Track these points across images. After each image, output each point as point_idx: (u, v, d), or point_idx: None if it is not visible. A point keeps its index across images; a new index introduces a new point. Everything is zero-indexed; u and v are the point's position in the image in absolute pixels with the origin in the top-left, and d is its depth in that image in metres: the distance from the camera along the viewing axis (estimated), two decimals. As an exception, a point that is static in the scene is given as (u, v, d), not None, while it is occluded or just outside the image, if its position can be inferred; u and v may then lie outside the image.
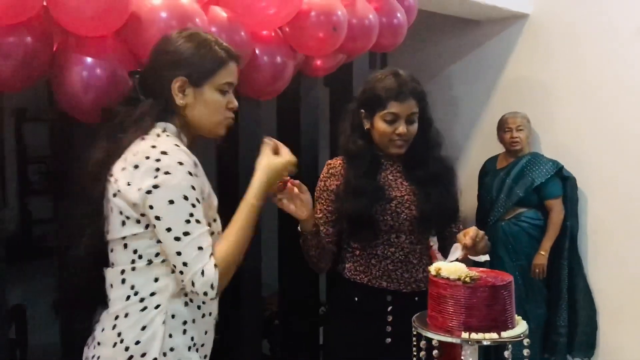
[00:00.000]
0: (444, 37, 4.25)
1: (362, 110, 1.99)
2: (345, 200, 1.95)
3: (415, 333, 1.58)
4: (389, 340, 1.98)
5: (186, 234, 1.37)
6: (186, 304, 1.47)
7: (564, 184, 3.62)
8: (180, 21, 1.82)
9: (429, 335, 1.53)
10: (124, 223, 1.43)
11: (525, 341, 1.52)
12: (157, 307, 1.43)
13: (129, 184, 1.38)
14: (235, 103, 1.55)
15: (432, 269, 1.58)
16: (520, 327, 1.53)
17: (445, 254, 1.99)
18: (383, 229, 1.96)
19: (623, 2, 3.46)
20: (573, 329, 3.61)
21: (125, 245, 1.44)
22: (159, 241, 1.41)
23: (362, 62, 3.01)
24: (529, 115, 3.70)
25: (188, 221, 1.37)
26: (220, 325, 1.65)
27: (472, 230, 1.81)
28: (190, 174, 1.38)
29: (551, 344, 3.62)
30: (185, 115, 1.49)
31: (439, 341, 1.52)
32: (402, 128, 1.92)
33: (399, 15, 2.68)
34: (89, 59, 1.78)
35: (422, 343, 1.57)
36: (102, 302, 1.51)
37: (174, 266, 1.40)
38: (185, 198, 1.36)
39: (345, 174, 2.01)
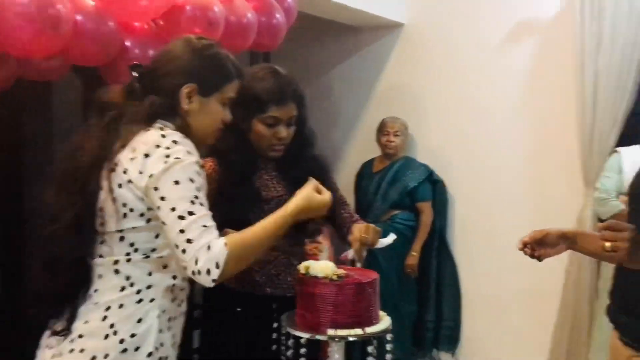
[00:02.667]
0: (326, 42, 4.33)
1: (238, 110, 1.82)
2: (220, 207, 1.78)
3: (284, 332, 1.58)
4: (275, 347, 1.92)
5: (191, 213, 1.35)
6: (173, 300, 1.47)
7: (434, 187, 3.82)
8: (40, 8, 1.71)
9: (296, 333, 1.53)
10: (125, 215, 1.40)
11: (389, 336, 1.57)
12: (151, 300, 1.42)
13: (140, 173, 1.37)
14: (230, 117, 1.59)
15: (302, 267, 1.59)
16: (384, 322, 1.58)
17: (345, 240, 2.00)
18: None
19: (493, 15, 3.70)
20: (439, 323, 3.82)
21: (122, 238, 1.42)
22: (157, 236, 1.41)
23: (243, 60, 2.97)
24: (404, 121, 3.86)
25: (192, 202, 1.36)
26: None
27: (356, 231, 1.82)
28: (197, 163, 1.41)
29: (420, 338, 3.80)
30: (186, 119, 1.51)
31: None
32: (283, 132, 1.86)
33: (278, 15, 2.68)
34: None
35: (290, 342, 1.57)
36: (71, 295, 1.43)
37: (176, 246, 1.36)
38: (191, 180, 1.38)
39: (217, 176, 1.88)
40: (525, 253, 1.68)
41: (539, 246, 1.66)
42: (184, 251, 1.34)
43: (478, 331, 3.80)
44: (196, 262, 1.33)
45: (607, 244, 1.52)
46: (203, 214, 1.38)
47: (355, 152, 4.24)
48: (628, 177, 2.92)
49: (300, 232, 1.95)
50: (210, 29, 2.23)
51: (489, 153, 3.75)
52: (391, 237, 1.85)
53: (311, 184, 1.59)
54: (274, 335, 1.85)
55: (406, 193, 3.73)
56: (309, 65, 4.37)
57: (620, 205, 2.99)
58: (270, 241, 1.48)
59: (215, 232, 1.37)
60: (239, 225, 1.80)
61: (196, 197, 1.38)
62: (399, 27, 4.03)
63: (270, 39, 2.70)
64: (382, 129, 3.82)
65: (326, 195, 1.60)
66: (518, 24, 3.61)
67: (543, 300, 3.48)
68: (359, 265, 1.73)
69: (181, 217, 1.35)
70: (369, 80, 4.19)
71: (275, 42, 2.76)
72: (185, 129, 1.49)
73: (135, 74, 1.53)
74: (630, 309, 1.71)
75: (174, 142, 1.39)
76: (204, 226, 1.36)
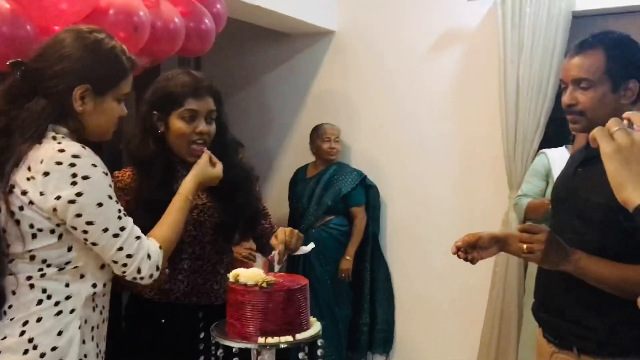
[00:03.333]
0: (258, 48, 4.32)
1: (155, 112, 1.82)
2: (139, 216, 1.71)
3: (213, 342, 1.55)
4: (202, 358, 1.87)
5: (122, 228, 1.40)
6: (94, 308, 1.45)
7: (367, 192, 3.87)
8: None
9: (227, 343, 1.51)
10: (34, 236, 1.36)
11: (320, 341, 1.56)
12: (72, 311, 1.40)
13: (42, 194, 1.32)
14: (126, 112, 1.53)
15: (231, 275, 1.57)
16: (315, 328, 1.58)
17: (264, 251, 2.01)
18: (186, 241, 1.83)
19: (420, 23, 3.80)
20: (373, 326, 3.86)
21: (33, 257, 1.38)
22: (70, 249, 1.39)
23: (171, 66, 2.93)
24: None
25: (120, 217, 1.41)
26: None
27: (280, 233, 1.80)
28: (105, 174, 1.39)
29: (354, 342, 3.84)
30: (80, 121, 1.44)
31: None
32: (202, 126, 1.78)
33: (206, 20, 2.65)
34: None
35: (220, 352, 1.54)
36: None
37: (115, 262, 1.41)
38: (110, 197, 1.39)
39: (137, 185, 1.82)
40: (459, 257, 1.72)
41: (472, 249, 1.70)
42: (124, 265, 1.42)
43: (411, 333, 3.87)
44: (139, 271, 1.43)
45: (524, 246, 1.58)
46: (131, 225, 1.44)
47: (289, 158, 4.24)
48: (554, 177, 3.03)
49: (226, 241, 1.94)
50: (136, 34, 2.17)
51: (419, 158, 3.83)
52: (310, 246, 1.85)
53: (205, 157, 1.71)
54: (201, 346, 1.82)
55: (340, 198, 3.76)
56: (241, 72, 4.35)
57: (527, 199, 3.07)
58: (182, 225, 1.60)
59: (144, 237, 1.46)
60: None
61: (119, 211, 1.42)
62: (330, 34, 4.07)
63: (199, 44, 2.66)
64: (322, 136, 3.82)
65: (218, 167, 1.71)
66: (444, 32, 3.72)
67: (473, 301, 3.58)
68: (277, 268, 1.72)
69: (116, 235, 1.39)
70: (301, 86, 4.21)
71: (204, 48, 2.73)
72: (79, 132, 1.44)
73: (18, 73, 1.42)
74: (550, 306, 1.78)
75: (75, 156, 1.33)
76: (137, 237, 1.43)
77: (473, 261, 1.73)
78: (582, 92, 1.64)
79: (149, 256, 1.44)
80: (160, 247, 1.48)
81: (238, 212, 1.89)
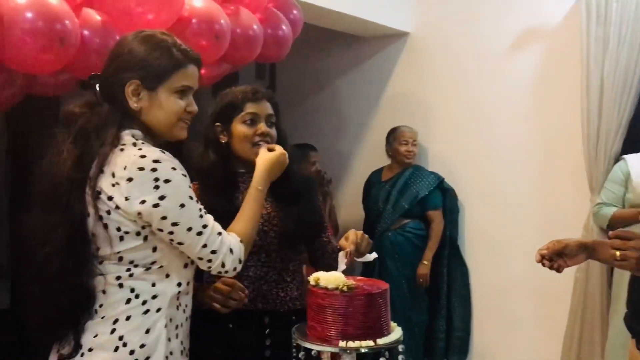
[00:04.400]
0: (332, 52, 4.34)
1: (218, 124, 1.88)
2: None
3: (294, 344, 1.57)
4: None
5: (205, 226, 1.46)
6: (177, 307, 1.49)
7: (444, 195, 3.80)
8: (47, 22, 1.72)
9: (307, 345, 1.52)
10: (121, 238, 1.41)
11: (400, 347, 1.55)
12: (158, 310, 1.44)
13: (127, 199, 1.37)
14: (194, 107, 1.53)
15: (312, 279, 1.57)
16: (396, 333, 1.56)
17: (320, 265, 1.98)
18: (252, 250, 1.79)
19: (498, 22, 3.70)
20: (450, 333, 3.78)
21: (121, 258, 1.42)
22: (154, 250, 1.43)
23: (249, 72, 3.00)
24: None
25: (201, 216, 1.46)
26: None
27: (352, 234, 1.80)
28: (184, 175, 1.43)
29: (430, 348, 3.77)
30: (141, 119, 1.46)
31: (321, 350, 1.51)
32: (263, 127, 1.84)
33: (284, 27, 2.69)
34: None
35: (301, 354, 1.55)
36: (72, 316, 1.42)
37: (200, 259, 1.47)
38: (191, 197, 1.44)
39: (200, 198, 1.82)
40: (544, 265, 1.69)
41: (557, 257, 1.66)
42: (209, 260, 1.48)
43: (488, 341, 3.77)
44: (223, 265, 1.49)
45: (617, 253, 1.51)
46: (212, 222, 1.49)
47: (362, 161, 4.24)
48: (638, 186, 2.90)
49: (291, 249, 1.95)
50: (217, 42, 2.24)
51: (497, 160, 3.73)
52: (373, 255, 1.83)
53: (263, 149, 1.75)
54: (267, 353, 1.86)
55: (417, 202, 3.71)
56: (315, 76, 4.39)
57: (611, 209, 2.97)
58: (259, 216, 1.66)
59: (225, 233, 1.51)
60: None
61: (200, 210, 1.47)
62: (405, 36, 4.04)
63: (277, 50, 2.71)
64: (399, 139, 3.78)
65: (277, 147, 1.76)
66: (523, 31, 3.61)
67: (553, 309, 3.45)
68: (340, 269, 1.69)
69: (199, 233, 1.45)
70: (375, 89, 4.19)
71: (282, 54, 2.77)
72: (149, 131, 1.47)
73: (96, 85, 1.48)
74: (645, 317, 1.69)
75: (156, 161, 1.37)
76: (219, 233, 1.49)
77: (559, 269, 1.68)
78: None
79: (231, 250, 1.49)
80: (241, 241, 1.53)
81: (300, 220, 1.90)
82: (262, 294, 1.89)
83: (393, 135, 3.81)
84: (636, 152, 3.04)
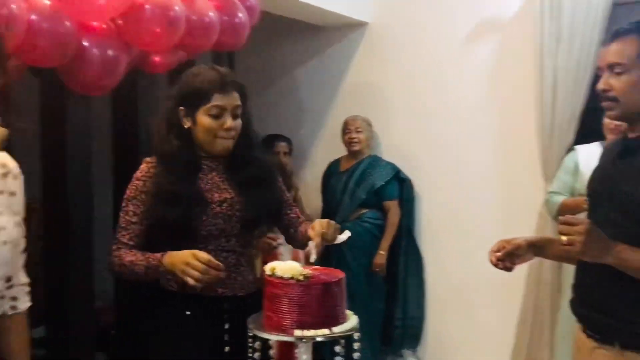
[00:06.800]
0: (291, 41, 4.31)
1: (182, 108, 1.84)
2: (162, 209, 1.77)
3: (251, 335, 1.56)
4: (227, 348, 1.88)
5: None
6: None
7: (401, 186, 3.84)
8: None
9: (264, 335, 1.52)
10: None
11: (356, 335, 1.56)
12: None
13: None
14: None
15: (268, 268, 1.57)
16: (352, 321, 1.57)
17: (295, 243, 2.04)
18: (214, 234, 1.85)
19: (455, 13, 3.73)
20: (406, 321, 3.83)
21: None
22: None
23: (206, 60, 2.95)
24: (371, 119, 3.87)
25: None
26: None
27: (317, 225, 1.81)
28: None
29: (388, 336, 3.81)
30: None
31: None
32: (229, 122, 1.82)
33: (240, 14, 2.66)
34: None
35: (257, 344, 1.55)
36: None
37: None
38: None
39: (156, 177, 1.83)
40: (498, 267, 1.78)
41: (507, 257, 1.75)
42: None
43: (443, 328, 3.84)
44: None
45: (564, 237, 1.55)
46: None
47: (322, 151, 4.23)
48: (585, 176, 2.98)
49: (249, 234, 1.95)
50: (171, 29, 2.19)
51: (454, 150, 3.78)
52: (346, 234, 1.85)
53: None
54: (226, 337, 1.85)
55: (373, 192, 3.74)
56: (274, 65, 4.36)
57: (560, 198, 3.05)
58: None
59: None
60: (177, 226, 1.78)
61: None
62: (364, 26, 4.04)
63: (234, 38, 2.68)
64: (344, 128, 3.84)
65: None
66: (480, 22, 3.65)
67: (508, 295, 3.53)
68: (313, 259, 1.71)
69: None
70: (335, 79, 4.19)
71: (239, 42, 2.74)
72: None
73: None
74: (590, 301, 1.74)
75: None
76: None
77: (510, 269, 1.79)
78: (616, 78, 1.65)
79: None
80: None
81: (261, 206, 1.91)
82: (221, 279, 1.84)
83: (342, 126, 3.84)
84: (589, 143, 3.12)
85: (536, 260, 3.28)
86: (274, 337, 1.50)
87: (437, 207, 3.86)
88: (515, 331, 3.46)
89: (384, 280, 3.78)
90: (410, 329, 3.84)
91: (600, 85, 1.69)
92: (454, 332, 3.79)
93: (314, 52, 4.26)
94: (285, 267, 1.54)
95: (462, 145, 3.75)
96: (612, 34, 1.71)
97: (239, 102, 1.86)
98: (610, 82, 1.66)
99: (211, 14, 2.44)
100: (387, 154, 3.96)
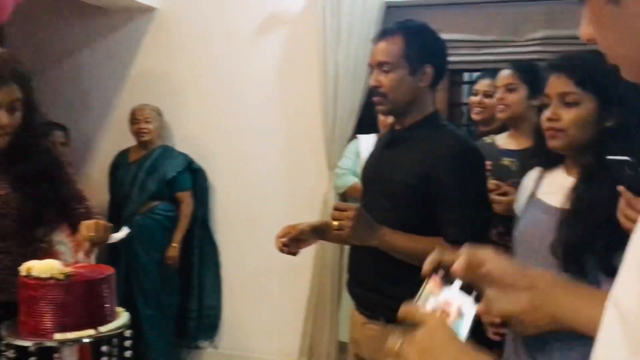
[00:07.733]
0: (73, 22, 3.99)
1: None
2: None
3: (5, 343, 1.40)
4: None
5: None
6: None
7: (194, 176, 3.78)
8: None
9: (19, 342, 1.37)
10: None
11: (128, 332, 1.49)
12: None
13: None
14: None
15: (23, 269, 1.43)
16: (122, 319, 1.50)
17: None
18: None
19: (244, 5, 3.74)
20: (201, 312, 3.81)
21: None
22: None
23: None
24: (161, 109, 3.74)
25: None
26: None
27: (84, 229, 1.69)
28: None
29: (183, 328, 3.76)
30: None
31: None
32: (3, 119, 1.65)
33: (1, -12, 2.38)
34: None
35: (11, 352, 1.40)
36: None
37: None
38: None
39: None
40: (284, 252, 1.84)
41: (292, 242, 1.81)
42: None
43: (239, 315, 3.88)
44: None
45: (335, 223, 1.64)
46: None
47: (108, 141, 4.00)
48: (363, 160, 3.22)
49: (30, 232, 1.78)
50: None
51: (246, 140, 3.82)
52: (124, 231, 1.77)
53: None
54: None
55: (165, 183, 3.63)
56: (54, 47, 4.01)
57: (353, 179, 3.28)
58: None
59: None
60: None
61: None
62: (152, 11, 3.88)
63: (-7, 13, 2.39)
64: (132, 118, 3.67)
65: None
66: (269, 15, 3.71)
67: (298, 281, 3.67)
68: (88, 261, 1.61)
69: None
70: (121, 65, 3.97)
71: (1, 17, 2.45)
72: None
73: None
74: (360, 280, 1.87)
75: None
76: None
77: (296, 253, 1.85)
78: (384, 75, 1.77)
79: None
80: None
81: (43, 201, 1.77)
82: None
83: (129, 115, 3.68)
84: (368, 133, 3.35)
85: (320, 244, 3.48)
86: (29, 344, 1.36)
87: (231, 197, 3.87)
88: (304, 312, 3.60)
89: (178, 273, 3.70)
90: (206, 319, 3.82)
91: (371, 82, 1.82)
92: (249, 318, 3.85)
93: (98, 35, 3.99)
94: (43, 266, 1.42)
95: (252, 136, 3.80)
96: (380, 33, 1.85)
97: (17, 96, 1.67)
98: (380, 79, 1.79)
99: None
100: (180, 145, 3.87)
